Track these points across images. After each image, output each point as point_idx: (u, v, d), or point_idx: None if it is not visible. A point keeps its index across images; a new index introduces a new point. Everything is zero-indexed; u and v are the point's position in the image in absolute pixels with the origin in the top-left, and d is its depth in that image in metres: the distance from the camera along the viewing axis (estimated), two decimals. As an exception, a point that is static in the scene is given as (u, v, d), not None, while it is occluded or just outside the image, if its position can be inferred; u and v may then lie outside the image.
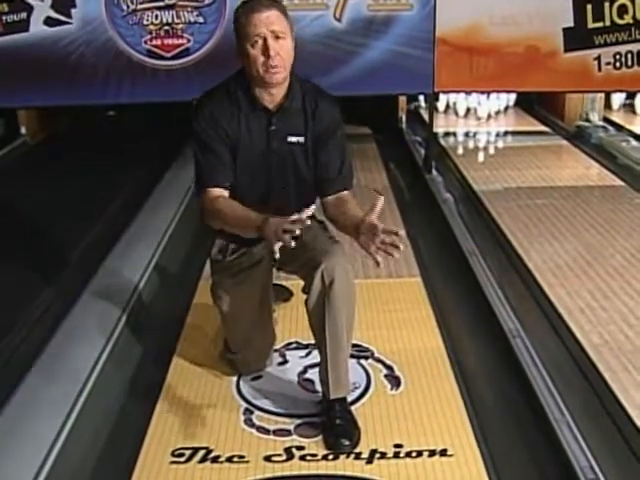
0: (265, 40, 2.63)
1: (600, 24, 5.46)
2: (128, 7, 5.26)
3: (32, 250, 4.40)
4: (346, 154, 2.90)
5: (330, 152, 2.84)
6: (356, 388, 3.02)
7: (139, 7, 5.26)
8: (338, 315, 2.70)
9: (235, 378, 3.14)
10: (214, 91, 2.84)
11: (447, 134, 7.49)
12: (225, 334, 3.16)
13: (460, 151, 6.96)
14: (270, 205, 2.81)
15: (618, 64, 5.53)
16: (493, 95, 8.00)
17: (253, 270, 2.99)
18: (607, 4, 5.42)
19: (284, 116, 2.79)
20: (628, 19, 5.45)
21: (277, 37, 2.64)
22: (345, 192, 2.87)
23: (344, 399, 2.82)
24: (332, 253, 2.71)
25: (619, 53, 5.51)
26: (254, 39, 2.64)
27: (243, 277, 2.98)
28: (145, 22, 5.30)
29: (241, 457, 2.65)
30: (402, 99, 7.73)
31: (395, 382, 3.12)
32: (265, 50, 2.63)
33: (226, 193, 2.78)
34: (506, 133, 7.72)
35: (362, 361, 3.26)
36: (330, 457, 2.65)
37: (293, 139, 2.80)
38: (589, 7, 5.43)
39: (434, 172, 6.08)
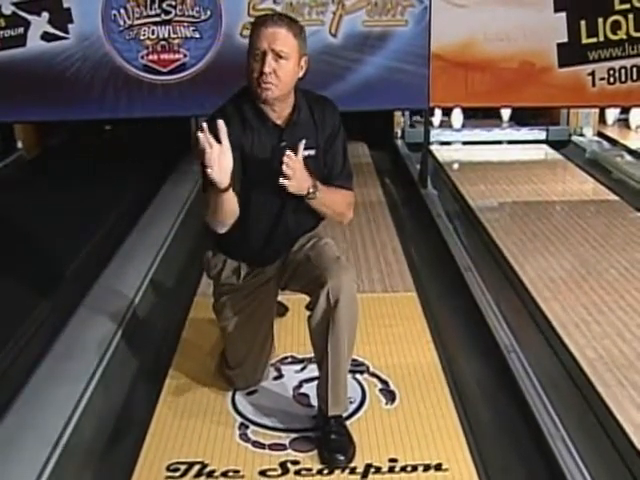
0: (264, 55, 2.63)
1: (594, 40, 5.50)
2: (125, 22, 5.28)
3: (27, 265, 4.40)
4: (347, 155, 2.94)
5: (334, 154, 2.88)
6: (351, 403, 3.01)
7: (136, 22, 5.29)
8: (341, 334, 2.70)
9: (230, 393, 3.14)
10: (225, 108, 2.82)
11: (442, 148, 7.51)
12: (225, 351, 3.15)
13: (455, 166, 6.98)
14: (283, 222, 2.87)
15: (612, 79, 5.57)
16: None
17: (261, 290, 3.01)
18: (601, 20, 5.46)
19: (294, 130, 2.79)
20: (622, 35, 5.49)
21: (278, 56, 2.63)
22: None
23: (340, 415, 2.82)
24: (338, 272, 2.71)
25: (613, 69, 5.55)
26: (255, 51, 2.65)
27: (253, 298, 3.00)
28: (142, 37, 5.32)
29: (236, 472, 2.65)
30: (397, 114, 7.76)
31: (390, 397, 3.12)
32: (262, 64, 2.64)
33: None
34: (501, 147, 7.75)
35: (357, 376, 3.26)
36: (325, 472, 2.65)
37: (304, 153, 2.75)
38: (583, 23, 5.47)
39: (429, 187, 6.10)
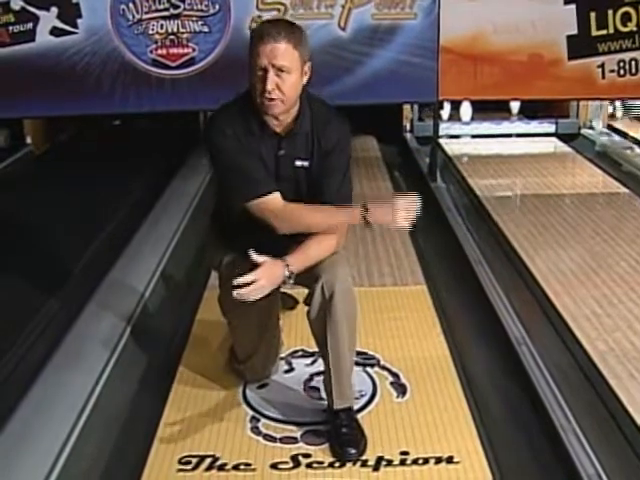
0: (266, 72, 2.57)
1: (604, 32, 5.48)
2: (133, 17, 5.28)
3: (36, 260, 4.40)
4: (346, 179, 2.80)
5: (328, 171, 2.76)
6: (362, 396, 3.02)
7: (144, 17, 5.29)
8: (339, 327, 2.70)
9: (241, 386, 3.15)
10: (226, 110, 2.77)
11: (451, 142, 7.50)
12: (233, 344, 3.16)
13: (464, 159, 6.96)
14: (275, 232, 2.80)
15: (622, 71, 5.55)
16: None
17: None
18: (611, 12, 5.44)
19: (293, 140, 2.74)
20: (632, 27, 5.46)
21: (280, 70, 2.56)
22: None
23: (349, 408, 2.82)
24: (332, 266, 2.71)
25: (623, 60, 5.53)
26: (255, 68, 2.58)
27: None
28: (150, 32, 5.32)
29: (248, 465, 2.66)
30: (406, 107, 7.74)
31: (401, 390, 3.12)
32: (264, 82, 2.57)
33: (279, 195, 2.71)
34: (510, 140, 7.73)
35: (368, 369, 3.26)
36: (336, 464, 2.65)
37: (299, 163, 2.74)
38: (593, 15, 5.45)
39: (439, 180, 6.09)
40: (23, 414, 2.81)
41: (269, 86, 2.57)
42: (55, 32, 5.30)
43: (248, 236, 2.86)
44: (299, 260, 2.68)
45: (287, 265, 2.65)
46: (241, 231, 2.85)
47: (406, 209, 2.69)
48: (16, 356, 3.34)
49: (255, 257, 2.60)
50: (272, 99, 2.60)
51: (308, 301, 2.75)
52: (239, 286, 2.58)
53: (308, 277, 2.73)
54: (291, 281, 2.70)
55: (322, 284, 2.67)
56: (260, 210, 2.70)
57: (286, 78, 2.59)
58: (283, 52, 2.57)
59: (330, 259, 2.74)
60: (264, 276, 2.60)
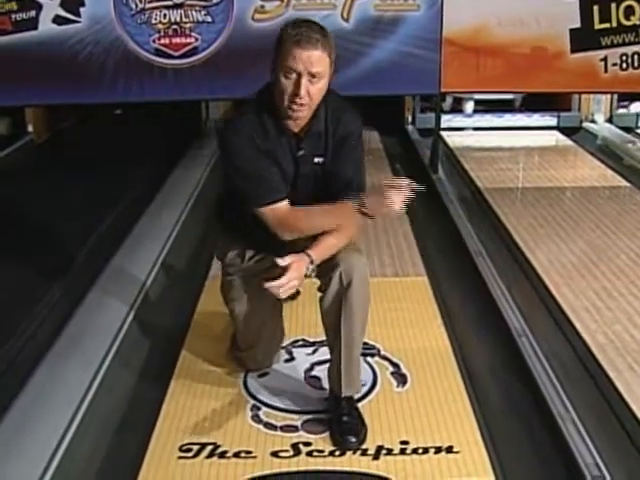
0: (299, 77, 2.55)
1: (607, 25, 5.47)
2: (137, 6, 5.27)
3: (37, 249, 4.41)
4: (359, 171, 2.81)
5: (341, 165, 2.77)
6: (363, 385, 3.02)
7: (147, 6, 5.27)
8: (354, 316, 2.71)
9: (242, 375, 3.16)
10: (243, 111, 2.76)
11: (453, 134, 7.50)
12: (235, 333, 3.17)
13: (466, 151, 6.96)
14: None
15: (624, 65, 5.54)
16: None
17: (267, 272, 2.99)
18: (614, 5, 5.43)
19: (311, 139, 2.74)
20: (635, 20, 5.46)
21: (313, 76, 2.55)
22: None
23: (351, 396, 2.83)
24: (350, 255, 2.72)
25: (625, 54, 5.52)
26: (289, 71, 2.55)
27: (258, 280, 2.99)
28: (153, 21, 5.31)
29: (248, 452, 2.67)
30: (408, 99, 7.74)
31: (401, 379, 3.13)
32: (296, 87, 2.56)
33: (287, 202, 2.73)
34: (512, 133, 7.73)
35: (369, 359, 3.27)
36: (337, 453, 2.66)
37: (317, 160, 2.75)
38: (596, 8, 5.44)
39: (440, 172, 6.09)
40: (23, 403, 2.83)
41: (302, 91, 2.55)
42: (58, 20, 5.29)
43: (256, 231, 2.85)
44: (321, 252, 2.69)
45: (311, 259, 2.66)
46: (249, 226, 2.83)
47: (398, 194, 2.65)
48: (17, 344, 3.35)
49: (280, 262, 2.59)
50: (301, 104, 2.59)
51: (323, 288, 2.76)
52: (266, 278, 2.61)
53: (325, 267, 2.73)
54: (313, 273, 2.71)
55: (340, 272, 2.68)
56: (266, 217, 2.72)
57: (317, 83, 2.58)
58: (319, 59, 2.55)
59: (347, 248, 2.74)
60: (295, 277, 2.61)
